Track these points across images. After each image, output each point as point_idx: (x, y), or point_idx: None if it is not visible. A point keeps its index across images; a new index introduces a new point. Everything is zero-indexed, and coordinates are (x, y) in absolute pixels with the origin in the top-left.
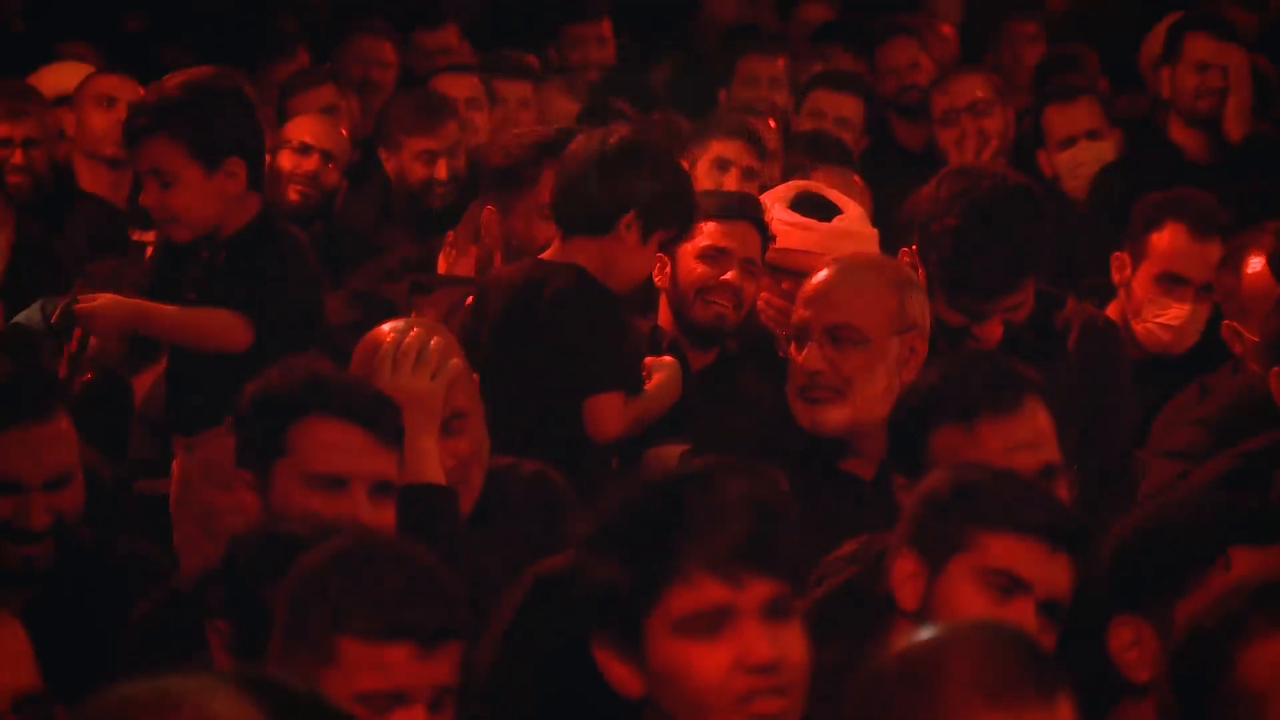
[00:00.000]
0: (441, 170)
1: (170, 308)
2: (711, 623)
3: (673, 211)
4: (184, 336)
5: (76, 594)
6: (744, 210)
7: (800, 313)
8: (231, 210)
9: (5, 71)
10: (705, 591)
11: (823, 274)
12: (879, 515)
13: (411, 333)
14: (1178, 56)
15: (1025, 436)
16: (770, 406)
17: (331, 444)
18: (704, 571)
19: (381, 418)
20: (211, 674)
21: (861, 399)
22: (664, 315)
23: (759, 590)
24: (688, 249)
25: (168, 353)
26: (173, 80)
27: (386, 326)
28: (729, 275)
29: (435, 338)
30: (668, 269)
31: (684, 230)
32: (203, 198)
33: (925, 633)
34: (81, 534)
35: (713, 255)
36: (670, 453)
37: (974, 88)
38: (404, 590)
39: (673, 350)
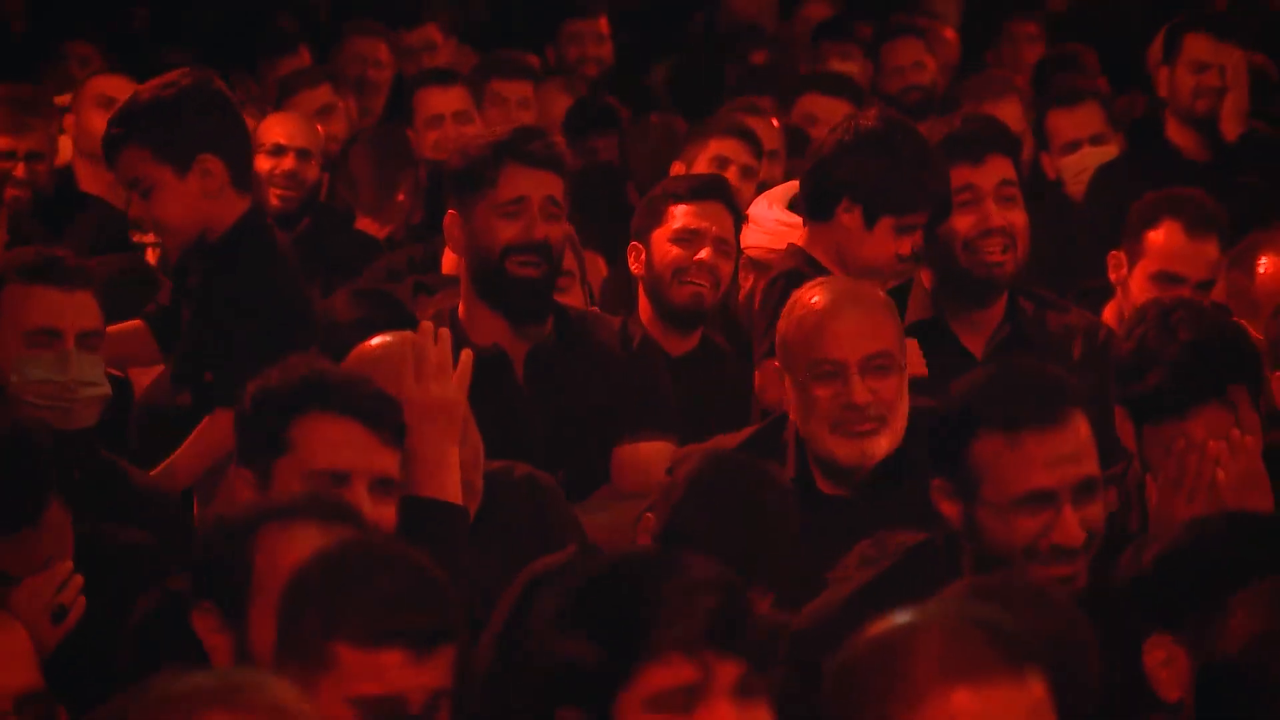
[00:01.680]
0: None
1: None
2: (684, 701)
3: (899, 197)
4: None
5: (101, 591)
6: (714, 191)
7: (826, 351)
8: (216, 212)
9: (6, 72)
10: (677, 671)
11: (826, 306)
12: (870, 533)
13: (427, 344)
14: (1176, 56)
15: (1067, 449)
16: (754, 432)
17: (333, 440)
18: (677, 652)
19: (383, 415)
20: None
21: (898, 424)
22: (643, 304)
23: (729, 671)
24: (661, 233)
25: (174, 356)
26: (140, 89)
27: (376, 340)
28: (703, 254)
29: (441, 350)
30: (643, 256)
31: (922, 215)
32: (181, 201)
33: (896, 617)
34: (104, 527)
35: (686, 237)
36: (641, 450)
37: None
38: (397, 595)
39: (645, 347)
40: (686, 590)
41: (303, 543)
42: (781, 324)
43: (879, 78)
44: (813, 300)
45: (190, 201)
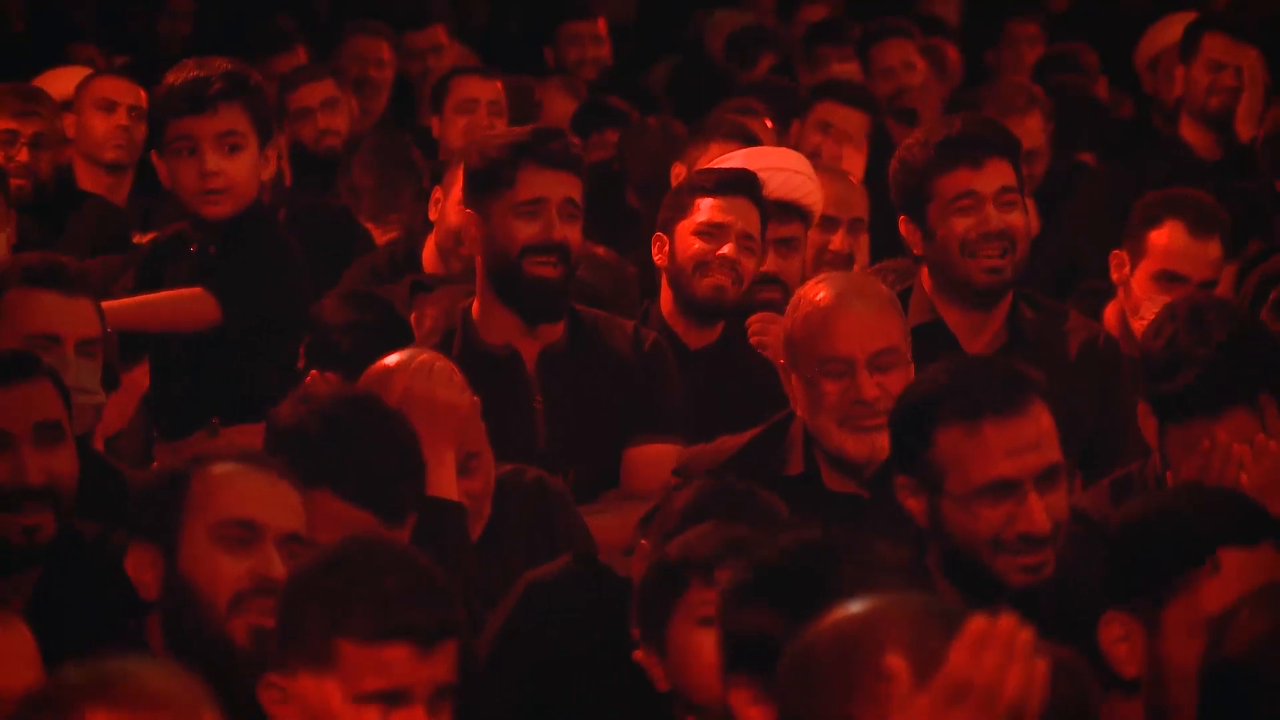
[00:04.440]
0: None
1: (129, 299)
2: None
3: None
4: (151, 322)
5: (79, 591)
6: (742, 186)
7: (834, 348)
8: (255, 194)
9: (7, 72)
10: None
11: (832, 302)
12: (877, 531)
13: (426, 352)
14: (1194, 54)
15: (1029, 438)
16: (759, 432)
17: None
18: None
19: (390, 499)
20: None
21: None
22: (665, 295)
23: None
24: (685, 225)
25: (150, 353)
26: (223, 61)
27: (392, 358)
28: (726, 250)
29: (444, 359)
30: (666, 247)
31: None
32: (253, 170)
33: (855, 604)
34: (83, 530)
35: (709, 231)
36: (651, 452)
37: (1030, 136)
38: (401, 590)
39: (656, 348)
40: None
41: (234, 476)
42: (787, 321)
43: (868, 80)
44: (818, 297)
45: (256, 176)
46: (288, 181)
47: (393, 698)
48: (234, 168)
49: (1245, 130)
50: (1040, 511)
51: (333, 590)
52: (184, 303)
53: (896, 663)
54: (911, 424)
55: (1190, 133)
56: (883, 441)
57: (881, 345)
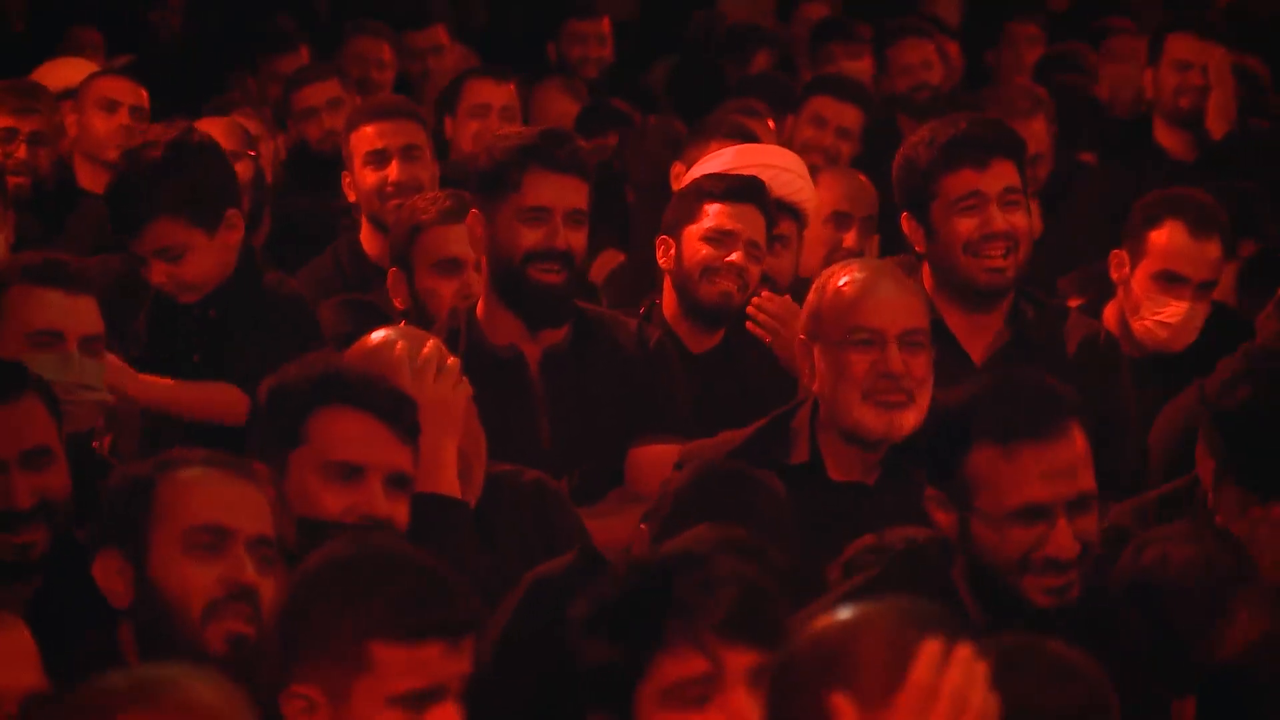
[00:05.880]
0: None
1: (165, 382)
2: (698, 693)
3: None
4: (186, 412)
5: (78, 593)
6: (750, 193)
7: (866, 319)
8: (235, 257)
9: (7, 71)
10: (689, 663)
11: (868, 278)
12: (879, 521)
13: (428, 343)
14: (1160, 57)
15: (1063, 465)
16: (763, 425)
17: (349, 434)
18: (686, 643)
19: (400, 412)
20: (185, 664)
21: (924, 403)
22: (668, 298)
23: (742, 660)
24: (693, 230)
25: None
26: (148, 153)
27: (377, 335)
28: (734, 256)
29: (446, 350)
30: (672, 251)
31: None
32: (212, 259)
33: (840, 613)
34: (81, 531)
35: (718, 237)
36: (655, 452)
37: (1035, 140)
38: (427, 589)
39: (660, 348)
40: (701, 584)
41: (201, 480)
42: (814, 296)
43: (885, 78)
44: (852, 273)
45: (219, 256)
46: (269, 179)
47: (429, 695)
48: (182, 271)
49: (1217, 128)
50: (1069, 538)
51: (359, 593)
52: (217, 400)
53: (841, 701)
54: (946, 438)
55: (1163, 135)
56: (901, 419)
57: (911, 325)
